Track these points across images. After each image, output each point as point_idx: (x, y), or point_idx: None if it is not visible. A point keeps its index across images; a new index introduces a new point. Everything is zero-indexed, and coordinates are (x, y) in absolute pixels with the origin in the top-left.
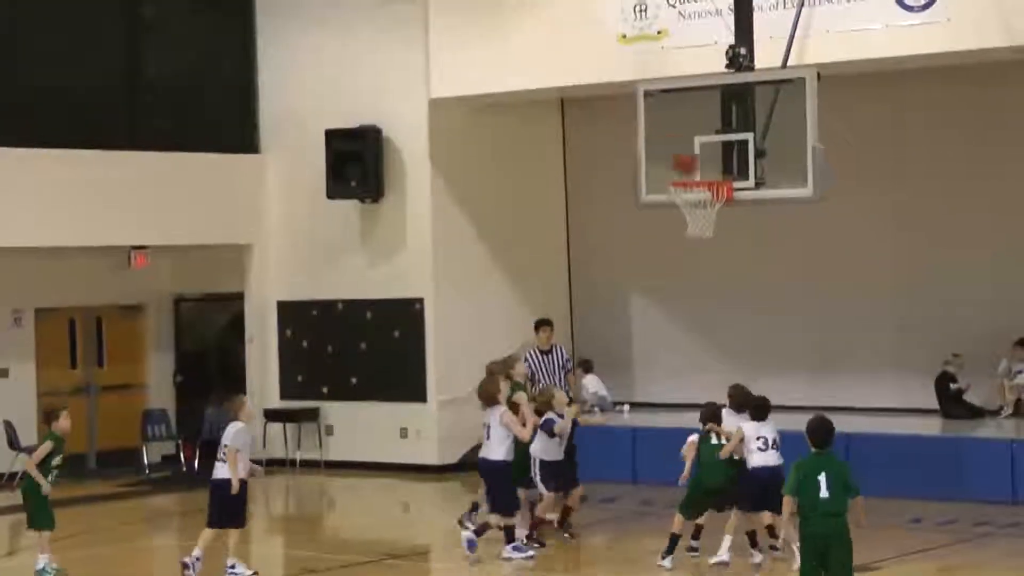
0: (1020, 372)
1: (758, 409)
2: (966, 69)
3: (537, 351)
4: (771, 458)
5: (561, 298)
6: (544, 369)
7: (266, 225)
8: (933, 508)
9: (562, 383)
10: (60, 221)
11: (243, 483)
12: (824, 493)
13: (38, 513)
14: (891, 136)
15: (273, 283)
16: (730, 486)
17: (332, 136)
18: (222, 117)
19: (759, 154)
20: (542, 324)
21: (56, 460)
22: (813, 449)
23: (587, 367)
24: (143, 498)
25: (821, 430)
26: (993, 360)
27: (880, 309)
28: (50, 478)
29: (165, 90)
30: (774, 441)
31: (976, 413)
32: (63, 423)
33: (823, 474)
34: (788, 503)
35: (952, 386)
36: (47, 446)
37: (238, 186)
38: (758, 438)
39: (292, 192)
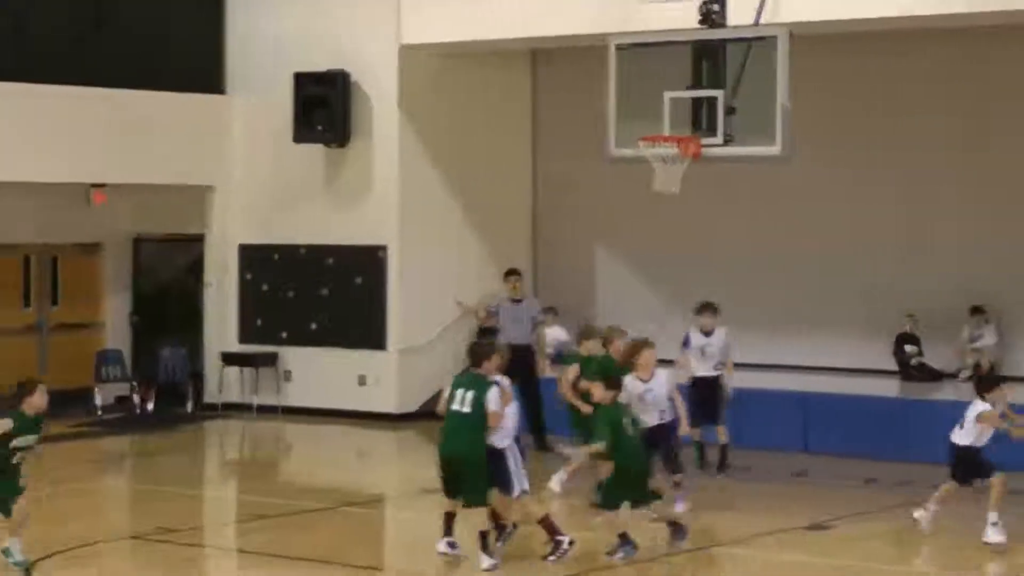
0: (980, 337)
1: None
2: (938, 33)
3: (508, 300)
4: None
5: (525, 248)
6: (513, 319)
7: (230, 167)
8: (889, 469)
9: (531, 334)
10: (19, 156)
11: None
12: (456, 406)
13: None
14: (860, 98)
15: (235, 226)
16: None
17: (300, 79)
18: (189, 56)
19: (728, 111)
20: (510, 274)
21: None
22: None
23: (552, 313)
24: (94, 439)
25: (471, 350)
26: (954, 324)
27: (843, 271)
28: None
29: (132, 27)
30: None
31: (935, 376)
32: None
33: (461, 389)
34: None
35: (907, 348)
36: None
37: (203, 127)
38: None
39: (258, 135)
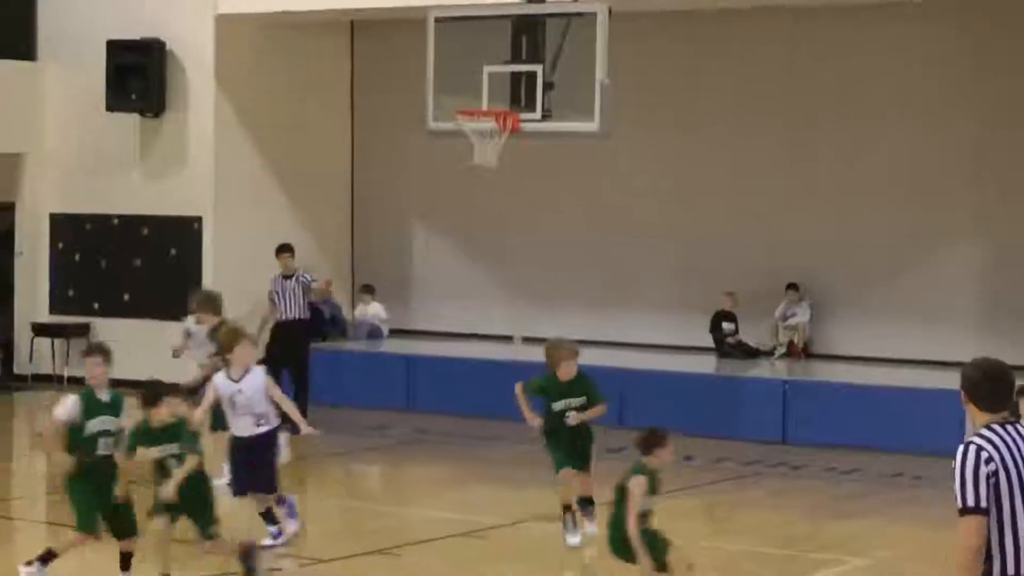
0: (794, 315)
1: None
2: (759, 11)
3: (280, 277)
4: None
5: (343, 223)
6: (285, 294)
7: (42, 135)
8: (705, 446)
9: (303, 309)
10: None
11: None
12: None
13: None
14: (679, 77)
15: (47, 195)
16: None
17: (113, 47)
18: None
19: (547, 87)
20: (281, 250)
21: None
22: None
23: (370, 292)
24: None
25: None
26: (770, 301)
27: (662, 248)
28: None
29: None
30: None
31: (750, 354)
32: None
33: None
34: None
35: (724, 326)
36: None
37: (14, 94)
38: None
39: (70, 103)
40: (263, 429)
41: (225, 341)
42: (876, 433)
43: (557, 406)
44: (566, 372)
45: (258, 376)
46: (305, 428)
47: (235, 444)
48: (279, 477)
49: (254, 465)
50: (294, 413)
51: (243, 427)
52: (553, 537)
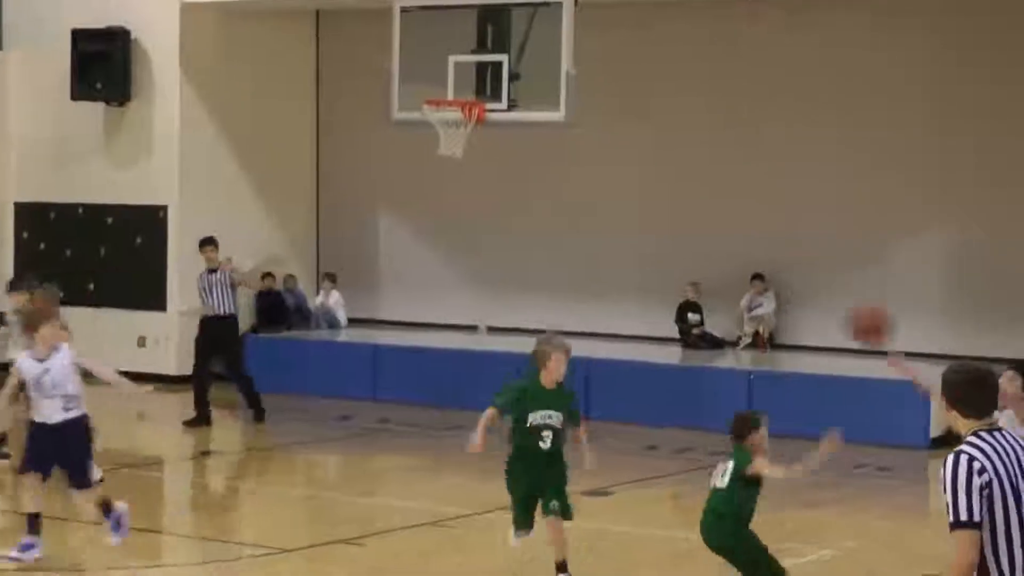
0: (759, 305)
1: None
2: (729, 5)
3: (206, 272)
4: None
5: (308, 212)
6: (210, 289)
7: (6, 124)
8: (670, 435)
9: (231, 304)
10: None
11: None
12: None
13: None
14: (641, 67)
15: (11, 183)
16: None
17: (78, 36)
18: None
19: (513, 76)
20: (204, 244)
21: None
22: None
23: (332, 280)
24: None
25: None
26: (735, 291)
27: (628, 238)
28: None
29: None
30: None
31: (716, 344)
32: None
33: None
34: None
35: (690, 317)
36: None
37: None
38: None
39: (35, 91)
40: (72, 415)
41: (31, 319)
42: (841, 424)
43: (534, 418)
44: (554, 373)
45: (65, 354)
46: (139, 389)
47: (39, 431)
48: (93, 469)
49: (64, 457)
50: (114, 377)
51: (50, 411)
52: None
